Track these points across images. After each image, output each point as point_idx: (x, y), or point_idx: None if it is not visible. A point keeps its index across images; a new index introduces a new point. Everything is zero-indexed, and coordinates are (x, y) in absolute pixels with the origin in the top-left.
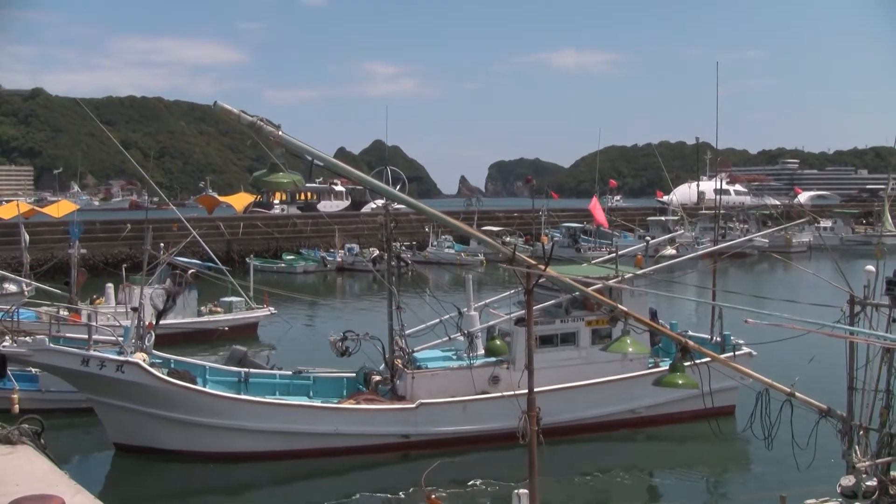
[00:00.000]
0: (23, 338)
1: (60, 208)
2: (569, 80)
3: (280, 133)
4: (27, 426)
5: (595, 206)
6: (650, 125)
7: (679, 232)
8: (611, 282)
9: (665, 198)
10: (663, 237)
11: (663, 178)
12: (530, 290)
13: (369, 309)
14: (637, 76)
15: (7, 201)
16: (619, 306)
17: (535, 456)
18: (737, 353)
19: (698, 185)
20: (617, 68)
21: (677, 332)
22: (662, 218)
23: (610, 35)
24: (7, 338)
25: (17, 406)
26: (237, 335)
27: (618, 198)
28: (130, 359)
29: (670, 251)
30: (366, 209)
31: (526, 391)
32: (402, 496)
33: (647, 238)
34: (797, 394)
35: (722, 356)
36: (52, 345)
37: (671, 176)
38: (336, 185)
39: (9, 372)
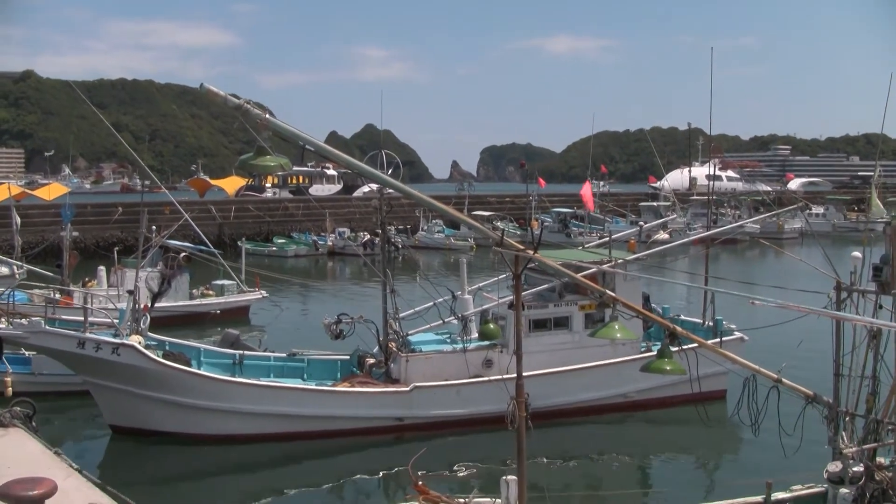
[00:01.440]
0: (19, 320)
1: (51, 191)
2: (561, 65)
3: (267, 116)
4: (18, 409)
5: (587, 190)
6: (642, 111)
7: (671, 217)
8: (603, 266)
9: (657, 183)
10: (656, 222)
11: (655, 164)
12: (518, 275)
13: (361, 292)
14: (630, 62)
15: None
16: (608, 292)
17: (523, 442)
18: (729, 337)
19: (690, 171)
20: (610, 54)
21: (669, 317)
22: (654, 203)
23: (603, 21)
24: (3, 320)
25: (10, 389)
26: (229, 318)
27: (603, 183)
28: (126, 341)
29: (663, 236)
30: (357, 193)
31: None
32: (395, 478)
33: (640, 223)
34: (784, 380)
35: (713, 341)
36: (48, 327)
37: (663, 161)
38: (328, 168)
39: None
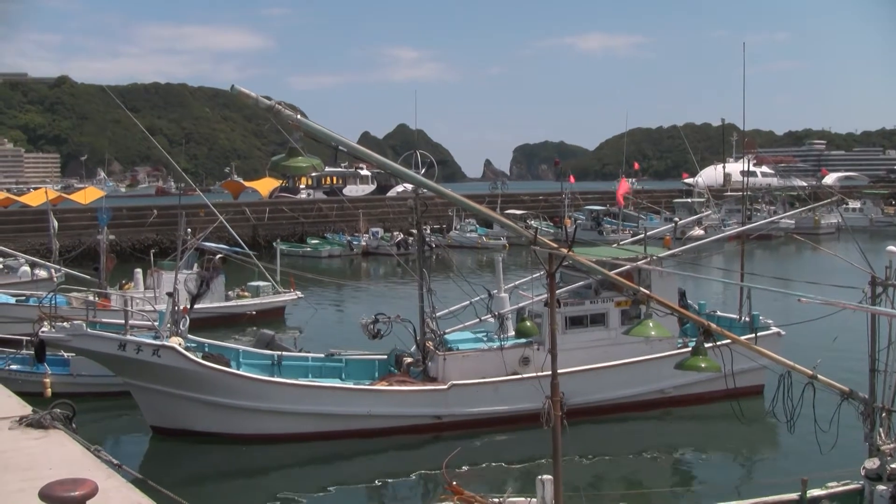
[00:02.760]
0: (61, 323)
1: (87, 195)
2: (593, 63)
3: (298, 117)
4: (59, 410)
5: (622, 187)
6: (675, 107)
7: (706, 213)
8: (637, 263)
9: (691, 180)
10: (690, 219)
11: (689, 161)
12: (552, 274)
13: (395, 292)
14: (662, 59)
15: (35, 188)
16: (641, 289)
17: (559, 441)
18: (765, 333)
19: (724, 167)
20: (642, 51)
21: (705, 313)
22: (688, 200)
23: (635, 18)
24: (45, 323)
25: (49, 390)
26: (264, 319)
27: (633, 180)
28: (166, 343)
29: (698, 232)
30: (391, 193)
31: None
32: (433, 477)
33: (675, 220)
34: (819, 376)
35: (750, 336)
36: (89, 330)
37: (697, 158)
38: (361, 169)
39: None
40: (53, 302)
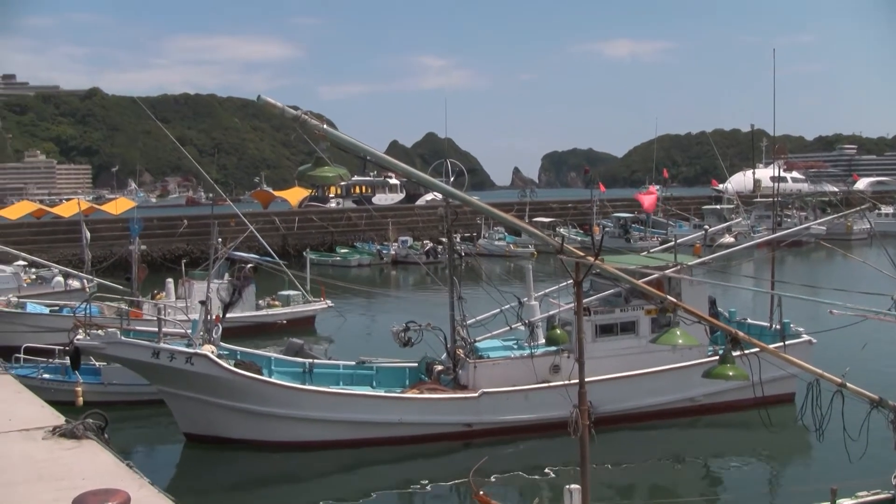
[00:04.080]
0: (95, 331)
1: (119, 206)
2: (621, 69)
3: (325, 127)
4: (91, 421)
5: (650, 194)
6: (704, 113)
7: (736, 220)
8: (665, 272)
9: (720, 186)
10: (720, 226)
11: (718, 167)
12: (579, 282)
13: (424, 300)
14: (689, 64)
15: (67, 200)
16: (669, 297)
17: (587, 451)
18: (795, 340)
19: (754, 173)
20: (669, 56)
21: (736, 321)
22: (717, 207)
23: (661, 24)
24: (80, 331)
25: (81, 399)
26: (295, 328)
27: (658, 186)
28: (199, 351)
29: (728, 239)
30: (420, 202)
31: (587, 380)
32: (463, 485)
33: (705, 227)
34: (848, 384)
35: (779, 344)
36: (123, 338)
37: (726, 164)
38: (390, 178)
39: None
40: (88, 311)
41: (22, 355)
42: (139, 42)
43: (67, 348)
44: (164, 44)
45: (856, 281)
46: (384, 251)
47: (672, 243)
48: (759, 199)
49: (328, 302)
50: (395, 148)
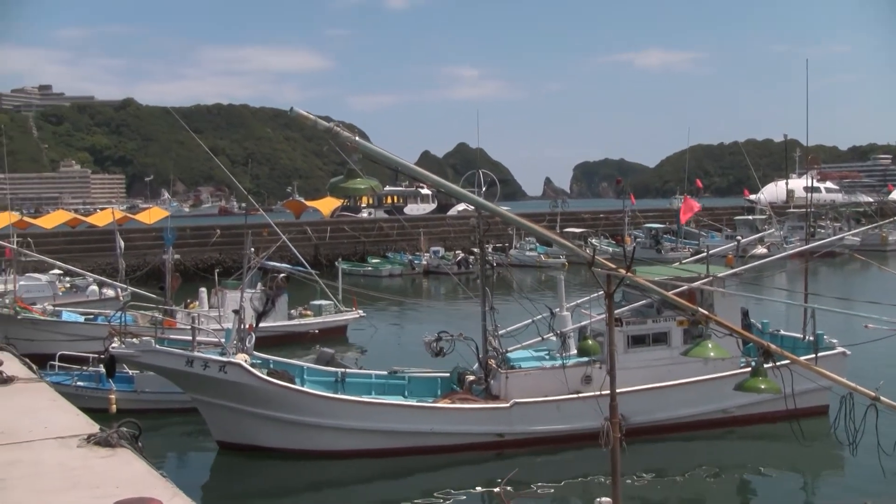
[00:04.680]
0: (130, 340)
1: (152, 215)
2: (652, 79)
3: (357, 138)
4: (125, 429)
5: (687, 204)
6: (736, 123)
7: (768, 231)
8: (695, 284)
9: (753, 197)
10: (752, 237)
11: (750, 177)
12: (611, 294)
13: (456, 311)
14: (721, 74)
15: (101, 209)
16: (700, 310)
17: (618, 463)
18: (828, 352)
19: (787, 184)
20: (701, 66)
21: (769, 332)
22: (750, 217)
23: (693, 34)
24: (115, 339)
25: (114, 406)
26: (327, 337)
27: (678, 196)
28: (233, 359)
29: (761, 250)
30: (452, 212)
31: (619, 391)
32: (495, 496)
33: (738, 237)
34: (882, 397)
35: (812, 356)
36: (158, 346)
37: (758, 174)
38: (422, 188)
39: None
40: (123, 319)
41: (57, 363)
42: (173, 53)
43: (102, 356)
44: (198, 55)
45: (891, 293)
46: (416, 261)
47: (704, 254)
48: (792, 210)
49: (360, 312)
50: (426, 158)
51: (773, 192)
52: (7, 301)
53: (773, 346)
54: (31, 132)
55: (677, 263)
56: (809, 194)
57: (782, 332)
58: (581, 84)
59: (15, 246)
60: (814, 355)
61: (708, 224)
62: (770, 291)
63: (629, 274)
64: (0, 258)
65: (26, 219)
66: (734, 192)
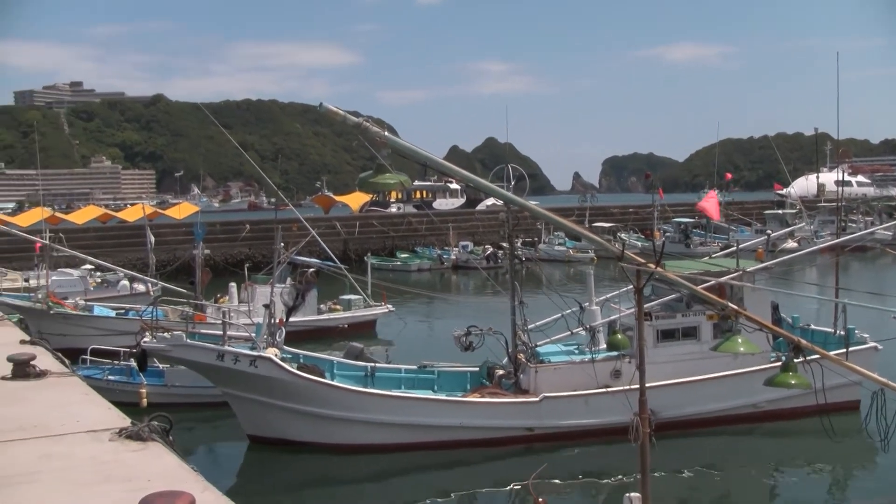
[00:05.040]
0: (162, 334)
1: (182, 210)
2: (682, 73)
3: (386, 134)
4: (157, 423)
5: (710, 200)
6: (766, 117)
7: (799, 225)
8: (726, 277)
9: (783, 191)
10: (783, 231)
11: (780, 171)
12: (640, 289)
13: (485, 305)
14: (752, 68)
15: (132, 204)
16: (729, 304)
17: (647, 459)
18: (859, 347)
19: (818, 177)
20: (731, 60)
21: (799, 327)
22: (780, 211)
23: (723, 27)
24: (147, 334)
25: (145, 400)
26: (356, 332)
27: (706, 190)
28: (263, 354)
29: (791, 245)
30: (480, 207)
31: (648, 386)
32: (524, 489)
33: (768, 231)
34: None
35: (842, 351)
36: (189, 340)
37: (789, 168)
38: (451, 183)
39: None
40: (154, 314)
41: (88, 357)
42: (203, 49)
43: (134, 350)
44: (227, 51)
45: None
46: (444, 256)
47: (734, 248)
48: (822, 204)
49: (389, 306)
50: (455, 153)
51: (803, 185)
52: (40, 296)
53: (803, 341)
54: (63, 128)
55: (707, 258)
56: (840, 188)
57: (813, 326)
58: (610, 78)
59: (47, 241)
60: (845, 350)
61: (737, 218)
62: (800, 286)
63: (658, 269)
64: (32, 253)
65: (58, 214)
66: (764, 186)
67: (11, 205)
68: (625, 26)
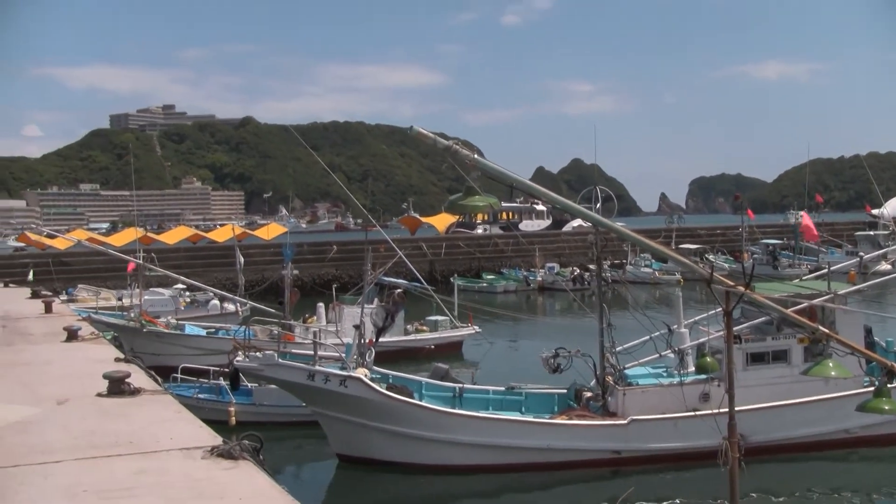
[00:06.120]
0: (254, 353)
1: (270, 231)
2: (771, 91)
3: (475, 156)
4: (247, 442)
5: (807, 221)
6: (857, 136)
7: (893, 247)
8: (817, 300)
9: (875, 211)
10: (875, 252)
11: (872, 191)
12: (729, 312)
13: (571, 327)
14: (842, 85)
15: (221, 225)
16: (820, 327)
17: (736, 484)
18: None
19: None
20: (821, 78)
21: (893, 350)
22: (872, 233)
23: (812, 44)
24: (240, 353)
25: (234, 418)
26: (443, 353)
27: (792, 211)
28: (353, 374)
29: (884, 267)
30: (566, 228)
31: (737, 409)
32: None
33: (860, 253)
34: None
35: None
36: (281, 360)
37: (881, 188)
38: (537, 204)
39: (225, 385)
40: (247, 334)
41: (179, 375)
42: (291, 71)
43: (227, 369)
44: (315, 72)
45: None
46: (531, 277)
47: (825, 270)
48: None
49: (475, 327)
50: (541, 174)
51: None
52: (133, 315)
53: None
54: (155, 150)
55: (797, 280)
56: None
57: None
58: (697, 97)
59: (140, 261)
60: None
61: (828, 240)
62: (894, 309)
63: (748, 291)
64: (125, 273)
65: (150, 234)
66: (855, 207)
67: (106, 225)
68: (711, 44)
